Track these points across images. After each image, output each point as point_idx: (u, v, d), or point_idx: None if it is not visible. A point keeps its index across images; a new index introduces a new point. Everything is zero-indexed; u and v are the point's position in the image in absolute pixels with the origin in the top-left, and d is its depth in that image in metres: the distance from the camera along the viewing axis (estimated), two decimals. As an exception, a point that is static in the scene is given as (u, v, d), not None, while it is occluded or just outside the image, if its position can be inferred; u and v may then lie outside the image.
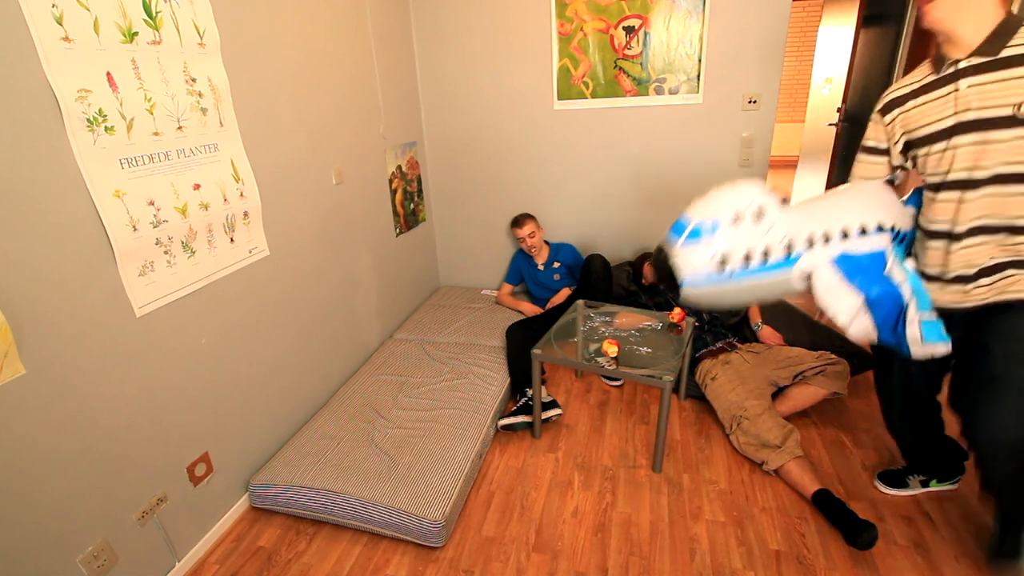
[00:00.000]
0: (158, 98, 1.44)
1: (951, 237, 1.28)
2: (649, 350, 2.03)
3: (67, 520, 1.30)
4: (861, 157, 1.51)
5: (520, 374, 2.32)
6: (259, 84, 1.82)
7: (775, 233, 1.18)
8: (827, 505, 1.66)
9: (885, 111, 1.39)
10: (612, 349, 1.92)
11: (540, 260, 2.98)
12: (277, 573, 1.62)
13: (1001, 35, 1.14)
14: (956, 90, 1.20)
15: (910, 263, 1.31)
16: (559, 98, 2.84)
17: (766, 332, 2.44)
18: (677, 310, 2.16)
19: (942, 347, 1.18)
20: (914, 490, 1.77)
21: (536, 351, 2.02)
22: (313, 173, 2.14)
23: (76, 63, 1.23)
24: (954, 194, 1.25)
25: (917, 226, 1.40)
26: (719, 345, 2.28)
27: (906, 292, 1.20)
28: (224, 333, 1.73)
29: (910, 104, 1.31)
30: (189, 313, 1.60)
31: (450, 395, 2.21)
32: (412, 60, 2.94)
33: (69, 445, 1.29)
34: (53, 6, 1.18)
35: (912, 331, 1.17)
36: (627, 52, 2.67)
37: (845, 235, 1.19)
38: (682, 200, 2.86)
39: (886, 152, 1.42)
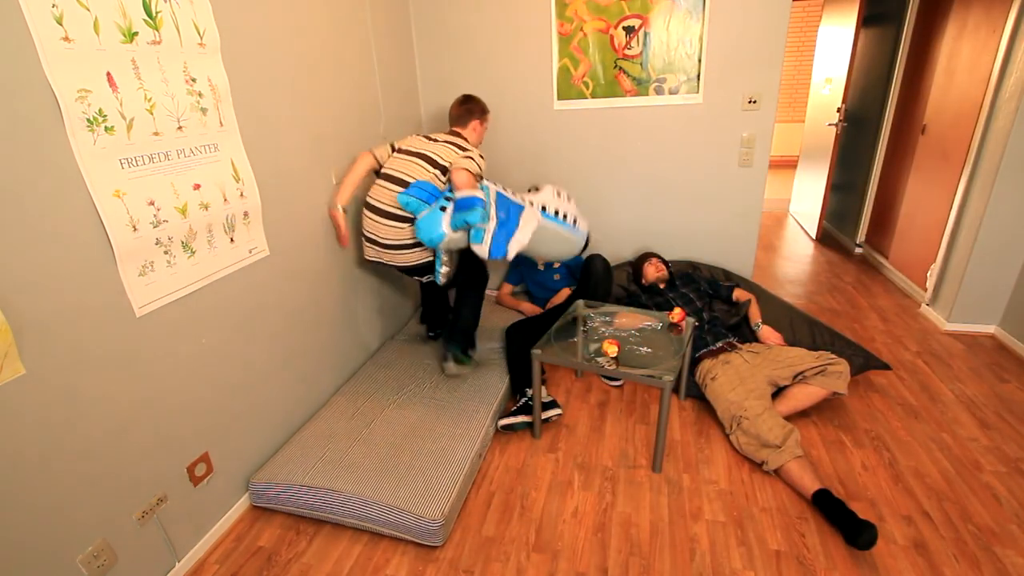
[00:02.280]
0: (158, 98, 1.44)
1: None
2: (649, 350, 2.02)
3: (67, 520, 1.30)
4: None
5: (520, 374, 2.32)
6: (259, 84, 1.82)
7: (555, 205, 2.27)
8: (827, 505, 1.66)
9: None
10: (612, 349, 1.92)
11: (540, 260, 2.98)
12: (277, 573, 1.62)
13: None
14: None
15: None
16: (559, 98, 2.85)
17: (766, 332, 2.44)
18: (677, 310, 2.16)
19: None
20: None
21: (536, 351, 2.02)
22: (313, 173, 2.14)
23: (76, 63, 1.23)
24: None
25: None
26: (719, 345, 2.28)
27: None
28: (224, 333, 1.73)
29: None
30: (189, 313, 1.60)
31: (450, 395, 2.21)
32: (412, 60, 2.94)
33: (69, 445, 1.29)
34: (53, 6, 1.18)
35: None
36: (627, 52, 2.67)
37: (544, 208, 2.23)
38: (682, 200, 2.89)
39: None
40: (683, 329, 2.15)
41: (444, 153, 2.21)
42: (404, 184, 2.15)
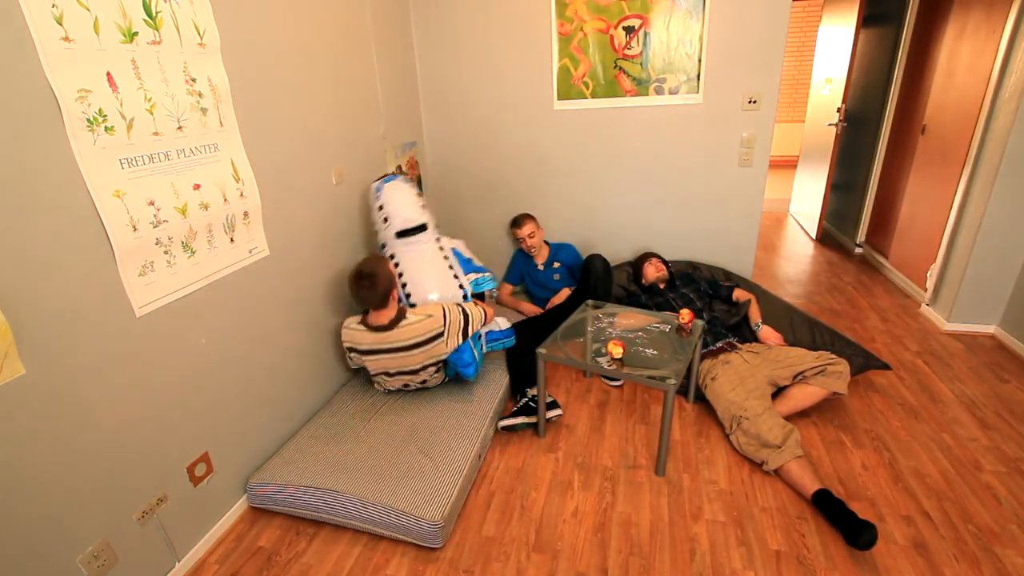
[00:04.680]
0: (158, 98, 1.44)
1: None
2: (655, 352, 2.02)
3: (67, 520, 1.30)
4: None
5: (520, 374, 2.32)
6: (259, 84, 1.83)
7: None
8: (827, 505, 1.66)
9: None
10: (617, 350, 1.91)
11: (540, 260, 2.98)
12: (277, 573, 1.62)
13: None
14: None
15: None
16: (559, 98, 2.85)
17: (766, 332, 2.44)
18: (686, 312, 2.12)
19: None
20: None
21: (541, 350, 2.02)
22: (313, 173, 2.14)
23: (76, 63, 1.23)
24: None
25: None
26: (719, 345, 2.28)
27: None
28: (224, 333, 1.73)
29: None
30: (189, 313, 1.60)
31: (449, 396, 2.21)
32: (412, 60, 2.94)
33: (69, 445, 1.29)
34: (53, 6, 1.18)
35: None
36: (627, 52, 2.67)
37: None
38: (682, 200, 2.89)
39: None
40: (691, 331, 2.13)
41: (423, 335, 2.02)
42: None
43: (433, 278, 2.27)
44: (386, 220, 2.25)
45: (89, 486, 1.35)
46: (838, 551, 1.58)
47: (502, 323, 2.33)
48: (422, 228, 2.29)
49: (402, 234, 2.26)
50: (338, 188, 2.31)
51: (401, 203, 2.28)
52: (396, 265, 2.25)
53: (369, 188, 2.38)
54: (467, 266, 2.38)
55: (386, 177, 2.35)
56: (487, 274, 2.39)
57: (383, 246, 2.34)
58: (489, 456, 2.06)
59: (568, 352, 2.04)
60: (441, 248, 2.36)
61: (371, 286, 1.96)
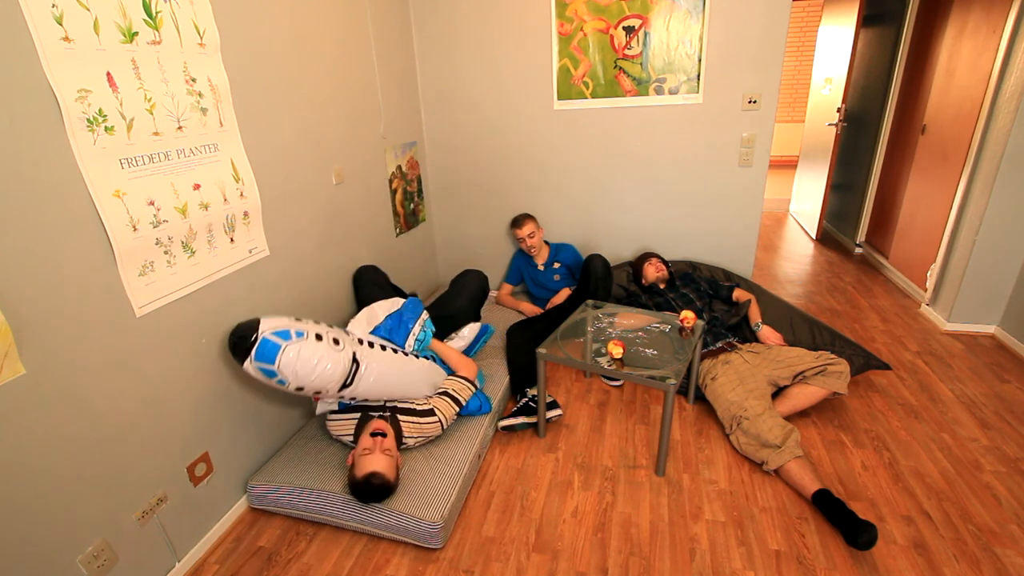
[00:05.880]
0: (158, 98, 1.44)
1: None
2: (655, 352, 2.02)
3: (67, 520, 1.30)
4: None
5: (520, 374, 2.32)
6: (259, 84, 1.82)
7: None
8: (827, 505, 1.66)
9: None
10: (617, 350, 1.91)
11: (540, 260, 2.98)
12: (277, 573, 1.62)
13: None
14: None
15: None
16: (559, 98, 2.85)
17: (766, 332, 2.44)
18: (689, 313, 2.12)
19: None
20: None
21: (541, 350, 2.01)
22: (313, 173, 2.14)
23: (76, 63, 1.23)
24: None
25: None
26: (719, 345, 2.28)
27: None
28: (224, 333, 1.73)
29: None
30: (189, 313, 1.59)
31: (450, 395, 2.20)
32: (412, 60, 2.94)
33: (69, 445, 1.29)
34: (53, 6, 1.18)
35: None
36: (627, 52, 2.67)
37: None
38: (682, 200, 2.89)
39: None
40: (692, 332, 2.12)
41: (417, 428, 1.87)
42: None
43: (404, 382, 1.89)
44: (319, 392, 1.69)
45: (89, 486, 1.35)
46: (838, 551, 1.58)
47: (468, 334, 2.28)
48: (356, 364, 1.72)
49: (346, 384, 1.72)
50: (338, 188, 2.31)
51: (320, 366, 1.61)
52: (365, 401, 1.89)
53: (246, 367, 1.56)
54: (399, 331, 2.03)
55: (257, 351, 1.52)
56: (417, 323, 2.06)
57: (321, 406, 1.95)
58: (489, 456, 2.06)
59: (568, 352, 2.04)
60: (372, 345, 1.84)
61: (386, 499, 1.70)
